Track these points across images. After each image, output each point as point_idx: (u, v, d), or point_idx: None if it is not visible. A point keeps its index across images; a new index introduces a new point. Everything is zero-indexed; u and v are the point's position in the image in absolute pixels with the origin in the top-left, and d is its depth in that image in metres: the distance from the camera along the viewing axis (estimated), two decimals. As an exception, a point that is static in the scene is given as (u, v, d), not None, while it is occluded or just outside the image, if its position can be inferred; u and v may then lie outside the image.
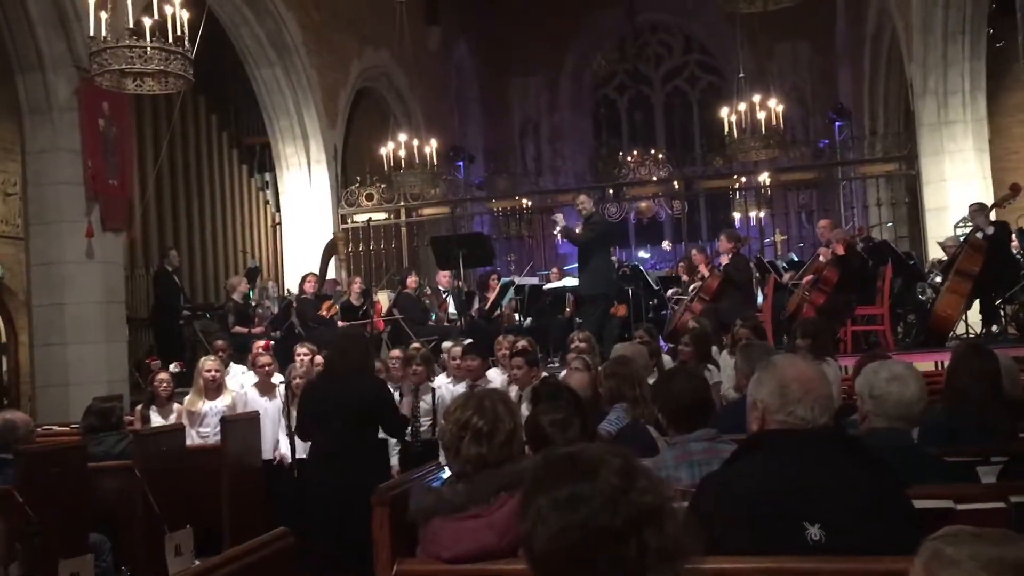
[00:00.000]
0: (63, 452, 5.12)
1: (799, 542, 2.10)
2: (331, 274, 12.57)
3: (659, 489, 1.39)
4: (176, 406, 7.02)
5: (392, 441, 6.05)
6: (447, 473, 2.73)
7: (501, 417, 2.60)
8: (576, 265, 10.64)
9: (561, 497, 1.36)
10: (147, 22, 6.79)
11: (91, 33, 6.85)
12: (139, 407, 7.09)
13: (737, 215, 16.41)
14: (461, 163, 18.09)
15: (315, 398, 5.13)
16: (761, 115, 11.67)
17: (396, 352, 7.34)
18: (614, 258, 11.61)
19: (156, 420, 6.80)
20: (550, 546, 1.34)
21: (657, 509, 1.35)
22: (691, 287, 10.10)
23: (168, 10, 6.85)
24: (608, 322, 9.67)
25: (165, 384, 6.99)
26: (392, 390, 6.29)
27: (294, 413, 6.02)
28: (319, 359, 6.69)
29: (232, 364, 8.18)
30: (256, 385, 6.88)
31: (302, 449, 6.04)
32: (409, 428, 6.29)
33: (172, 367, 8.78)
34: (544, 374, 6.32)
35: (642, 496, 1.35)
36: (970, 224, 9.77)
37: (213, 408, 6.70)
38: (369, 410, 5.03)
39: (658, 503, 1.36)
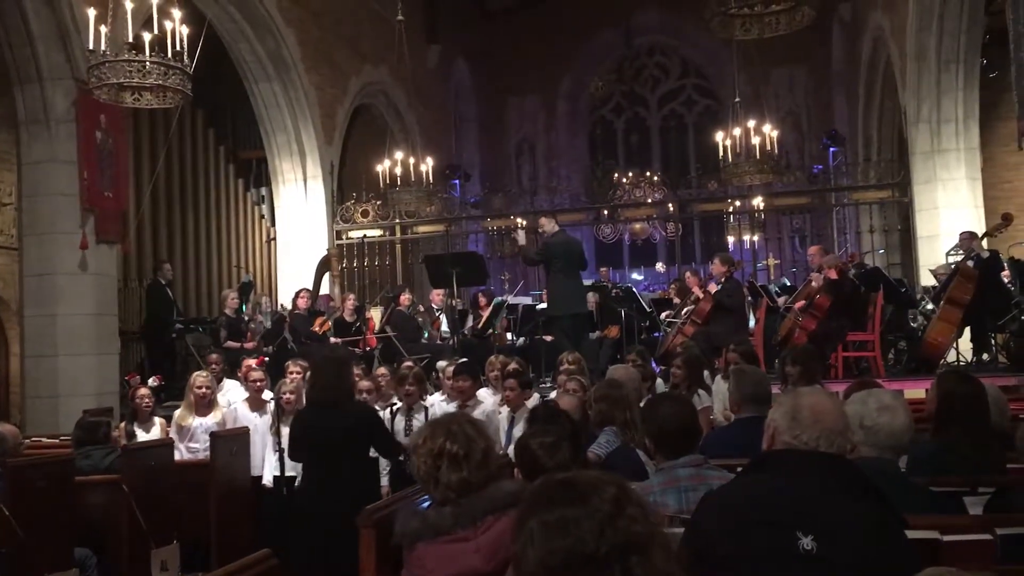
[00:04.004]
0: (50, 466, 5.09)
1: (791, 550, 2.11)
2: (325, 290, 12.56)
3: (650, 518, 1.39)
4: (158, 420, 7.00)
5: (383, 461, 6.02)
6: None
7: (472, 438, 2.62)
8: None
9: (551, 520, 1.37)
10: (147, 36, 6.81)
11: (90, 46, 6.87)
12: (123, 423, 7.06)
13: (731, 238, 16.47)
14: (457, 181, 18.13)
15: (304, 429, 5.08)
16: (756, 140, 11.75)
17: (382, 370, 7.31)
18: (606, 281, 11.63)
19: (139, 435, 6.78)
20: (538, 569, 1.35)
21: (646, 538, 1.35)
22: (684, 310, 10.12)
23: (168, 25, 6.87)
24: (584, 340, 9.64)
25: (147, 400, 6.98)
26: (382, 409, 6.30)
27: (283, 430, 5.99)
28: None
29: (226, 380, 8.15)
30: (247, 400, 6.86)
31: (292, 467, 6.02)
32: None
33: (151, 381, 8.75)
34: (535, 394, 6.33)
35: (631, 524, 1.35)
36: (961, 252, 9.82)
37: (203, 424, 6.68)
38: (359, 435, 4.99)
39: (647, 532, 1.36)
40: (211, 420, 6.71)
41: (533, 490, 1.48)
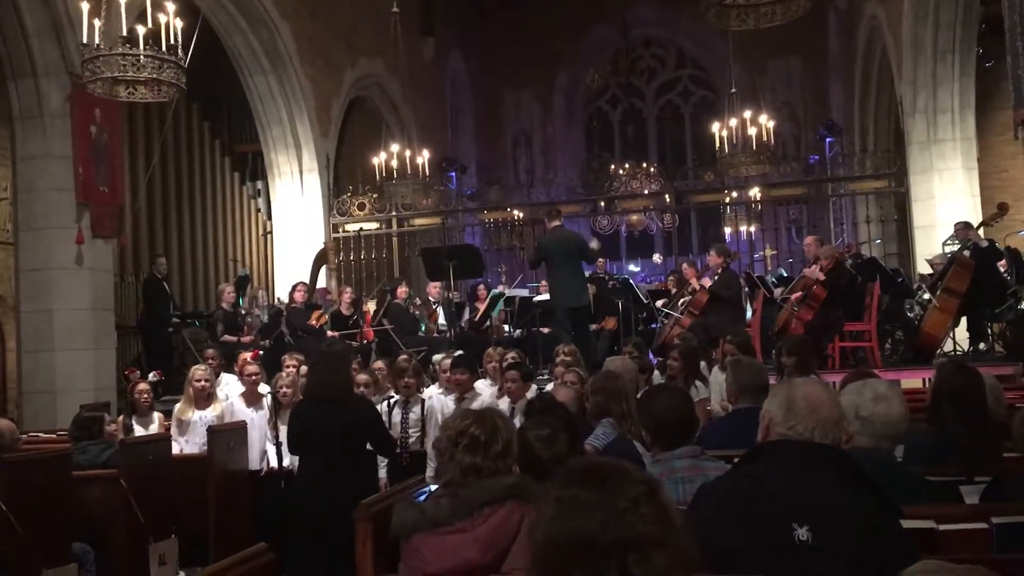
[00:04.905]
0: (47, 461, 5.09)
1: (787, 541, 2.13)
2: (321, 283, 12.55)
3: (665, 522, 1.37)
4: (157, 415, 7.00)
5: (381, 453, 6.04)
6: (431, 488, 2.74)
7: (498, 428, 2.68)
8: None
9: (565, 498, 1.38)
10: (141, 30, 6.79)
11: (84, 40, 6.85)
12: (121, 417, 7.07)
13: (728, 229, 16.48)
14: (453, 174, 18.11)
15: (302, 424, 5.06)
16: (752, 130, 11.74)
17: (379, 363, 7.31)
18: (603, 272, 11.63)
19: (137, 430, 6.79)
20: (544, 543, 1.36)
21: (651, 540, 1.33)
22: (680, 300, 10.13)
23: (162, 18, 6.85)
24: (583, 333, 9.68)
25: (146, 395, 6.98)
26: (379, 402, 6.30)
27: (280, 425, 6.00)
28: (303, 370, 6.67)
29: (223, 374, 8.14)
30: (243, 395, 6.86)
31: (289, 459, 6.03)
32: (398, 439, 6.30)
33: (151, 376, 8.74)
34: (533, 386, 6.33)
35: (640, 523, 1.35)
36: (957, 242, 9.82)
37: (203, 418, 6.68)
38: (358, 431, 4.99)
39: (655, 535, 1.35)
40: (211, 413, 6.71)
41: (568, 466, 1.50)
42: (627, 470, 1.45)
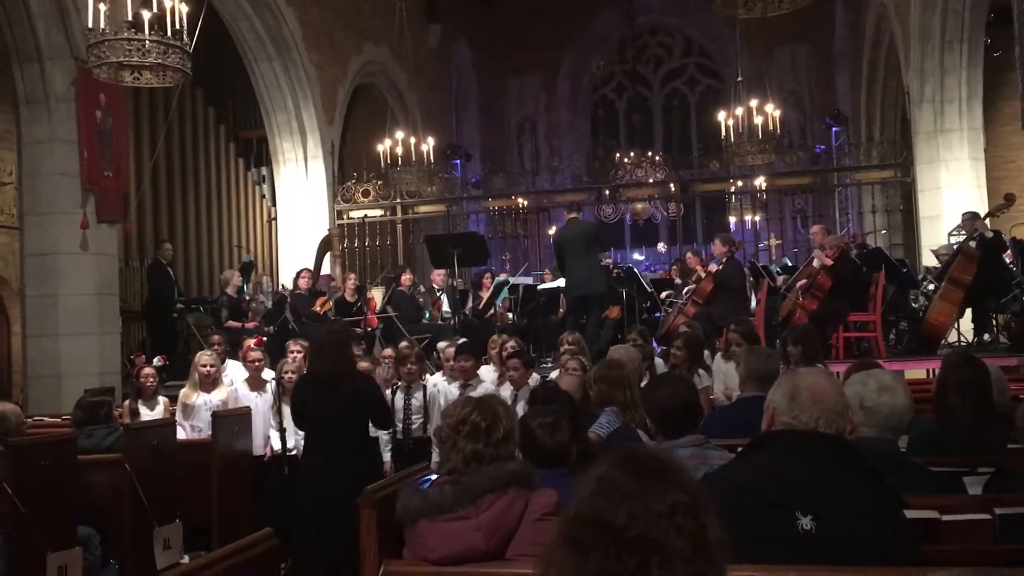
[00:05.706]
0: (52, 445, 5.09)
1: (790, 530, 2.14)
2: (326, 270, 12.56)
3: (698, 539, 1.34)
4: (162, 399, 7.03)
5: (384, 438, 6.06)
6: (435, 476, 2.75)
7: (500, 416, 2.69)
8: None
9: (607, 479, 1.38)
10: (146, 15, 6.78)
11: (89, 25, 6.84)
12: (127, 401, 7.09)
13: (733, 219, 16.42)
14: (458, 161, 18.07)
15: (305, 401, 5.08)
16: (758, 119, 11.70)
17: (388, 351, 7.33)
18: (608, 260, 11.62)
19: (143, 413, 6.81)
20: (572, 515, 1.37)
21: (677, 551, 1.31)
22: (685, 289, 10.12)
23: (167, 3, 6.84)
24: (593, 322, 9.69)
25: (151, 379, 7.01)
26: (384, 390, 6.31)
27: (284, 409, 6.02)
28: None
29: (228, 360, 8.15)
30: (246, 380, 6.88)
31: (293, 445, 6.06)
32: (400, 425, 6.32)
33: (156, 361, 8.77)
34: (535, 374, 6.34)
35: (671, 531, 1.32)
36: (963, 233, 9.79)
37: (208, 402, 6.70)
38: (360, 406, 5.01)
39: (682, 548, 1.32)
40: (216, 397, 6.73)
41: (623, 449, 1.49)
42: (678, 475, 1.41)
